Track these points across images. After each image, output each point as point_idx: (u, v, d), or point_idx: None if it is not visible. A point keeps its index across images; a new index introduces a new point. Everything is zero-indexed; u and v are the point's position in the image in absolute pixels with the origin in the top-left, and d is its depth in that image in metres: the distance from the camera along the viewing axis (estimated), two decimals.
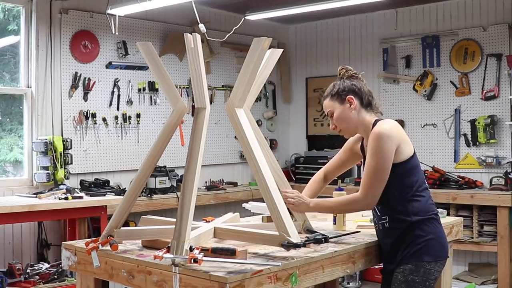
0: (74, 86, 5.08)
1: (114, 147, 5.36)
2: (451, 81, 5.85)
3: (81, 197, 4.31)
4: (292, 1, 5.38)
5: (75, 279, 2.98)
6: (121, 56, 5.41)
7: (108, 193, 4.70)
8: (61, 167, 4.78)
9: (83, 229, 4.67)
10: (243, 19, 5.57)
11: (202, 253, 2.06)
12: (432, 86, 5.95)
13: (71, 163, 4.89)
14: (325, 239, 2.33)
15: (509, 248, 5.10)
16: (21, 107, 4.96)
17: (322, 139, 6.76)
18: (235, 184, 6.11)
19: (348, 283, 6.08)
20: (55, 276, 4.37)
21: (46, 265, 4.55)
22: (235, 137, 5.83)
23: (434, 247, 2.49)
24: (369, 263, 2.61)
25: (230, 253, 2.11)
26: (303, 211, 2.60)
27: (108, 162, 5.31)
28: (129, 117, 5.46)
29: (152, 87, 5.64)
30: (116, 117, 5.38)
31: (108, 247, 2.34)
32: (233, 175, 6.38)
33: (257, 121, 6.17)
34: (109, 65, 5.31)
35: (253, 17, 5.76)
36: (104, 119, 5.28)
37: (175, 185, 5.29)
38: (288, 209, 2.39)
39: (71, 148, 4.89)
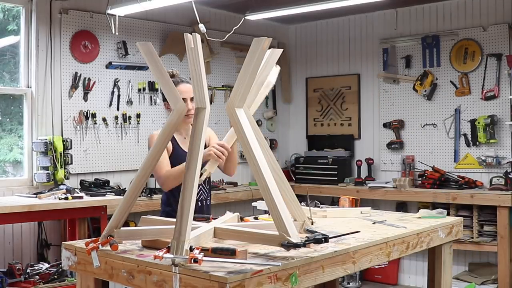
0: (74, 86, 5.08)
1: (114, 147, 5.36)
2: (451, 81, 5.85)
3: (81, 197, 4.31)
4: (292, 1, 5.38)
5: (75, 279, 2.98)
6: (121, 56, 5.41)
7: (108, 193, 4.70)
8: (61, 167, 4.78)
9: (83, 229, 4.67)
10: (243, 19, 5.57)
11: (202, 253, 2.06)
12: (432, 86, 5.95)
13: (71, 163, 4.89)
14: (325, 239, 2.33)
15: (509, 248, 5.11)
16: (21, 107, 4.96)
17: (322, 139, 6.76)
18: (235, 184, 6.11)
19: (348, 283, 6.08)
20: (55, 276, 4.37)
21: (46, 265, 4.55)
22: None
23: None
24: (369, 263, 2.61)
25: (230, 253, 2.11)
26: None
27: (108, 162, 5.31)
28: (129, 117, 5.46)
29: (152, 87, 5.64)
30: (116, 117, 5.38)
31: (108, 247, 2.34)
32: (233, 175, 6.37)
33: (257, 121, 6.17)
34: (109, 65, 5.31)
35: (253, 17, 5.76)
36: (104, 119, 5.28)
37: None
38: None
39: (71, 148, 4.89)
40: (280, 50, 2.63)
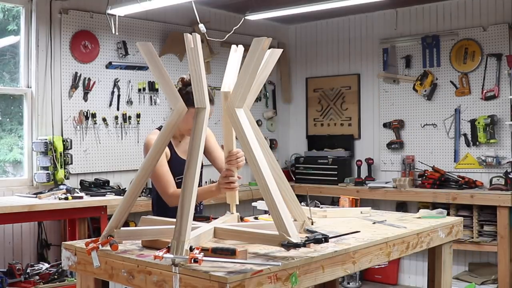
0: (74, 86, 5.08)
1: (114, 147, 5.36)
2: (451, 81, 5.85)
3: (81, 197, 4.30)
4: (292, 1, 5.38)
5: (75, 279, 2.98)
6: (121, 56, 5.41)
7: (108, 193, 4.70)
8: (61, 167, 4.78)
9: (83, 229, 4.67)
10: (243, 19, 5.57)
11: (202, 253, 2.06)
12: (432, 86, 5.95)
13: (71, 163, 4.89)
14: (325, 239, 2.33)
15: (509, 248, 5.11)
16: (21, 107, 4.96)
17: (322, 139, 6.76)
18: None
19: (348, 283, 6.08)
20: (55, 276, 4.37)
21: (46, 265, 4.55)
22: (235, 137, 5.82)
23: None
24: (369, 263, 2.61)
25: (230, 253, 2.11)
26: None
27: (108, 162, 5.31)
28: (129, 117, 5.46)
29: (152, 87, 5.64)
30: (116, 117, 5.38)
31: (108, 247, 2.33)
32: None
33: (257, 121, 6.18)
34: (109, 65, 5.31)
35: (253, 17, 5.76)
36: (104, 119, 5.28)
37: None
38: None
39: (71, 148, 4.90)
40: (280, 50, 2.63)
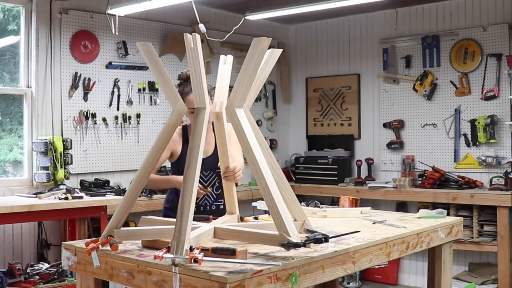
0: (74, 86, 5.08)
1: (114, 147, 5.36)
2: (451, 81, 5.85)
3: (81, 197, 4.30)
4: (292, 1, 5.38)
5: (75, 279, 2.98)
6: (121, 56, 5.41)
7: (108, 193, 4.70)
8: (61, 167, 4.78)
9: (83, 229, 4.67)
10: (243, 19, 5.57)
11: (202, 253, 2.06)
12: (432, 86, 5.95)
13: (71, 163, 4.89)
14: (325, 239, 2.33)
15: (509, 248, 5.11)
16: (21, 107, 4.96)
17: (322, 139, 6.76)
18: (235, 184, 6.09)
19: (348, 283, 6.08)
20: (55, 276, 4.37)
21: (46, 265, 4.55)
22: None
23: None
24: (369, 263, 2.61)
25: (230, 253, 2.11)
26: None
27: (108, 162, 5.31)
28: (129, 117, 5.46)
29: (152, 87, 5.64)
30: (116, 117, 5.38)
31: (108, 247, 2.34)
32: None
33: (257, 121, 6.18)
34: (109, 65, 5.31)
35: (253, 17, 5.76)
36: (104, 119, 5.28)
37: None
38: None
39: (71, 148, 4.89)
40: (280, 50, 2.63)
